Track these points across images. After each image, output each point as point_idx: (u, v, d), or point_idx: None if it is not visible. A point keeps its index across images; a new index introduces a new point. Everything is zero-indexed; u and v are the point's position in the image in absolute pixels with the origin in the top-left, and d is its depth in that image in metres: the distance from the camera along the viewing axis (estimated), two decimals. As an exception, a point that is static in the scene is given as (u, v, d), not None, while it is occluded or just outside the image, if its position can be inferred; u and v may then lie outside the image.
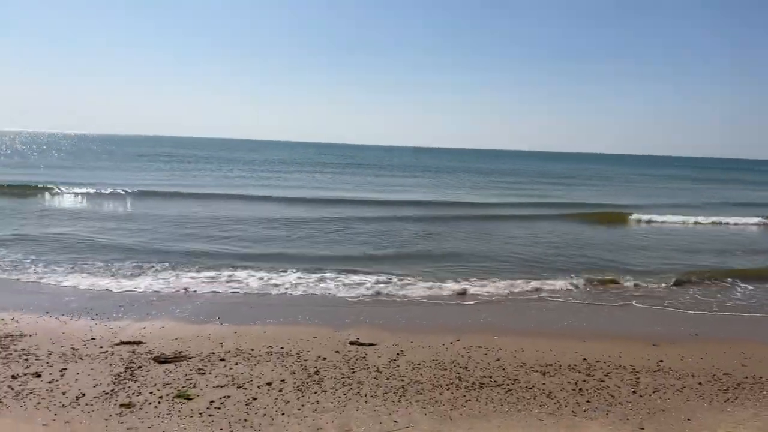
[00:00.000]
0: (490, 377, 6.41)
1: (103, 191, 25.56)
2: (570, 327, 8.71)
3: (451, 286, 10.90)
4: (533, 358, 7.15)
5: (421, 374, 6.43)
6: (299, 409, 5.42)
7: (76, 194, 24.90)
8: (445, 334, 8.09)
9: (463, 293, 10.56)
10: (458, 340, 7.76)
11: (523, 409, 5.60)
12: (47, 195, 24.46)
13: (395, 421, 5.23)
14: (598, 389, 6.17)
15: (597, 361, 7.07)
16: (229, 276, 11.28)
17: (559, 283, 11.37)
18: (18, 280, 10.59)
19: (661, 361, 7.18)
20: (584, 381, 6.39)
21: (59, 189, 25.28)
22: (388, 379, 6.26)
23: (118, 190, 25.84)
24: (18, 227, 16.00)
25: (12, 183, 26.84)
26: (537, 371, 6.66)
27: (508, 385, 6.20)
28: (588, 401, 5.85)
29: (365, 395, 5.79)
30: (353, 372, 6.44)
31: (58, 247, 13.42)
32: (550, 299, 10.44)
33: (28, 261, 11.93)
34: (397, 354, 7.12)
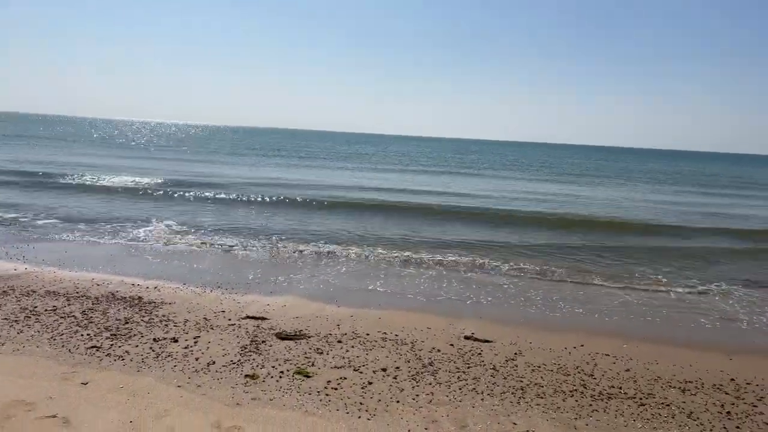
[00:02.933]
0: (620, 388, 5.87)
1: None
2: (715, 340, 7.78)
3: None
4: (670, 371, 6.46)
5: (541, 377, 6.06)
6: (414, 399, 5.33)
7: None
8: (568, 335, 7.59)
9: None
10: (582, 345, 7.23)
11: (659, 427, 5.05)
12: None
13: (514, 423, 4.96)
14: (749, 415, 5.41)
15: (747, 383, 6.22)
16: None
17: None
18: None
19: (832, 391, 6.14)
20: (732, 404, 5.63)
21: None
22: (505, 378, 5.97)
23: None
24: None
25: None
26: (675, 387, 5.99)
27: (641, 398, 5.63)
28: (738, 427, 5.14)
29: (481, 392, 5.56)
30: (468, 367, 6.22)
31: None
32: (695, 304, 9.41)
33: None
34: (515, 353, 6.79)
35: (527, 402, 5.42)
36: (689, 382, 6.17)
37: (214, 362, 5.95)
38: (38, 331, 6.52)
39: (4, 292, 8.02)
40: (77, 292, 8.24)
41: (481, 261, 12.35)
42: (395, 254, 12.63)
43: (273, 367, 5.91)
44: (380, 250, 13.00)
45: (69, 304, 7.61)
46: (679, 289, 10.65)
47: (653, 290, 10.55)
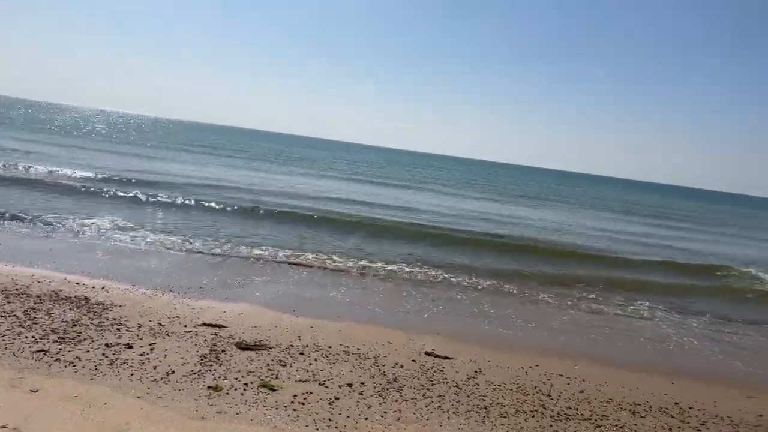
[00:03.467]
0: (576, 409, 6.09)
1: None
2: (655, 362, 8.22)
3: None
4: (620, 393, 6.76)
5: (502, 396, 6.19)
6: (382, 416, 5.32)
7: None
8: (523, 355, 7.81)
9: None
10: (537, 365, 7.45)
11: (615, 450, 5.27)
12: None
13: (481, 443, 5.04)
14: (694, 438, 5.75)
15: (690, 407, 6.60)
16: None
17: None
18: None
19: (761, 415, 6.63)
20: (679, 427, 5.97)
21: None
22: (468, 396, 6.07)
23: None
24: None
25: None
26: (626, 409, 6.28)
27: (596, 420, 5.87)
28: (685, 450, 5.45)
29: (447, 411, 5.62)
30: (432, 384, 6.28)
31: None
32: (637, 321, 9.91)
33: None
34: (475, 371, 6.91)
35: (491, 421, 5.52)
36: (638, 404, 6.48)
37: (173, 371, 5.70)
38: (-24, 332, 6.03)
39: (-68, 285, 7.38)
40: (16, 289, 7.70)
41: (434, 273, 12.52)
42: (350, 264, 12.58)
43: (236, 378, 5.74)
44: (336, 258, 12.94)
45: (8, 302, 7.10)
46: (615, 309, 11.20)
47: (593, 310, 11.04)
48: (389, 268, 12.68)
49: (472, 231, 20.20)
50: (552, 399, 6.31)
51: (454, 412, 5.60)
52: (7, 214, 13.21)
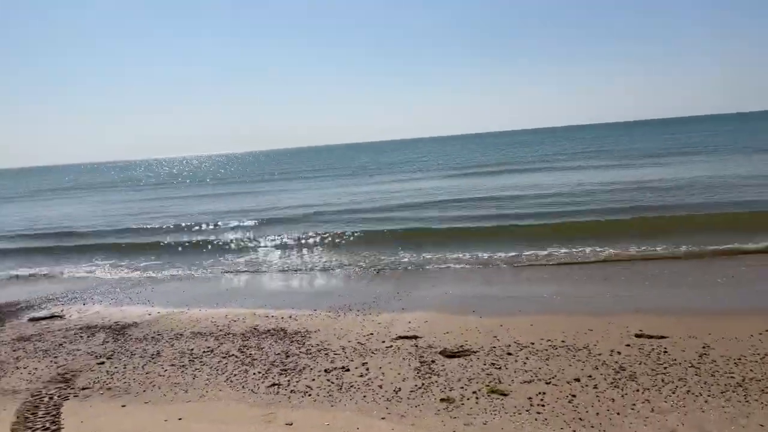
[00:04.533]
0: None
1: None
2: None
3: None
4: None
5: (751, 370, 5.58)
6: (632, 408, 4.97)
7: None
8: (742, 321, 7.06)
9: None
10: (767, 330, 6.70)
11: None
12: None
13: (761, 425, 4.53)
14: None
15: None
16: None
17: None
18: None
19: None
20: None
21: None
22: (713, 376, 5.53)
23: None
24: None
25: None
26: None
27: None
28: None
29: (699, 394, 5.15)
30: (665, 368, 5.80)
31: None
32: None
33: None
34: (703, 347, 6.32)
35: (756, 400, 4.97)
36: None
37: (399, 388, 5.75)
38: (211, 374, 6.49)
39: (153, 338, 8.10)
40: (220, 330, 8.25)
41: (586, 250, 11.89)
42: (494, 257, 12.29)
43: (462, 387, 5.66)
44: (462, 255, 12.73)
45: (221, 344, 7.60)
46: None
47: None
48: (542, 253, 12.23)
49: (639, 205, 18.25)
50: (812, 366, 5.60)
51: (708, 395, 5.11)
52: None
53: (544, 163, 41.34)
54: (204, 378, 6.40)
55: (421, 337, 7.37)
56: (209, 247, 16.86)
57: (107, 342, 8.03)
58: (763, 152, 34.43)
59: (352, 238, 16.23)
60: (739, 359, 5.90)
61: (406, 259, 12.90)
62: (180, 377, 6.46)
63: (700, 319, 7.27)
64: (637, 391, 5.33)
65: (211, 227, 20.91)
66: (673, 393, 5.22)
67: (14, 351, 7.85)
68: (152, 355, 7.33)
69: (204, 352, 7.31)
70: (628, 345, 6.59)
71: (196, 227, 21.16)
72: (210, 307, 9.75)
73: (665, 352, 6.28)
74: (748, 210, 15.17)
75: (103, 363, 7.10)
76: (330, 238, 16.30)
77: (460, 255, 12.76)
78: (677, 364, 5.90)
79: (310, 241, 16.40)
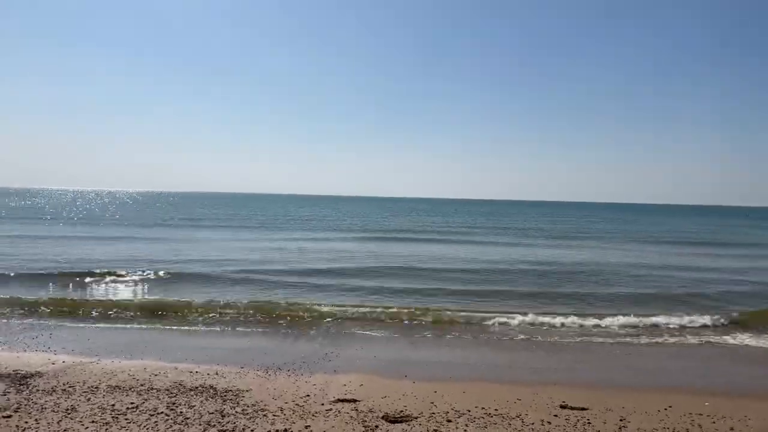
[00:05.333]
0: (742, 449, 6.12)
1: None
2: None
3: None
4: (768, 427, 6.79)
5: (666, 443, 6.22)
6: (572, 478, 5.33)
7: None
8: (647, 396, 7.84)
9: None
10: (671, 406, 7.48)
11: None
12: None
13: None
14: None
15: (840, 434, 6.64)
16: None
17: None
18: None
19: None
20: None
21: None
22: (636, 448, 6.08)
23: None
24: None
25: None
26: (787, 443, 6.31)
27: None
28: None
29: (627, 464, 5.64)
30: (593, 440, 6.29)
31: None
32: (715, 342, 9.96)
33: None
34: (620, 419, 6.92)
35: (675, 471, 5.53)
36: (793, 436, 6.51)
37: (350, 454, 5.70)
38: (141, 434, 6.02)
39: (64, 390, 7.36)
40: (142, 385, 7.68)
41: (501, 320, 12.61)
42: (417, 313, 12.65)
43: (411, 454, 5.74)
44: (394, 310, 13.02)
45: (145, 400, 7.08)
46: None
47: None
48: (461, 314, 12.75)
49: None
50: (713, 441, 6.33)
51: (634, 465, 5.62)
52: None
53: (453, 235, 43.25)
54: (134, 438, 5.92)
55: (360, 401, 7.36)
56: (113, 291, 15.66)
57: (9, 393, 7.17)
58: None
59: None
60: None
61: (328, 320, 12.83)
62: (106, 437, 5.93)
63: (608, 392, 7.95)
64: (573, 460, 5.71)
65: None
66: (604, 463, 5.66)
67: None
68: (66, 410, 6.64)
69: (128, 408, 6.76)
70: (556, 415, 7.04)
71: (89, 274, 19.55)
72: (124, 359, 9.05)
73: (589, 423, 6.79)
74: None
75: (10, 417, 6.33)
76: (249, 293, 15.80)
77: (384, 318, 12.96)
78: (604, 436, 6.41)
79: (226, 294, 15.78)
